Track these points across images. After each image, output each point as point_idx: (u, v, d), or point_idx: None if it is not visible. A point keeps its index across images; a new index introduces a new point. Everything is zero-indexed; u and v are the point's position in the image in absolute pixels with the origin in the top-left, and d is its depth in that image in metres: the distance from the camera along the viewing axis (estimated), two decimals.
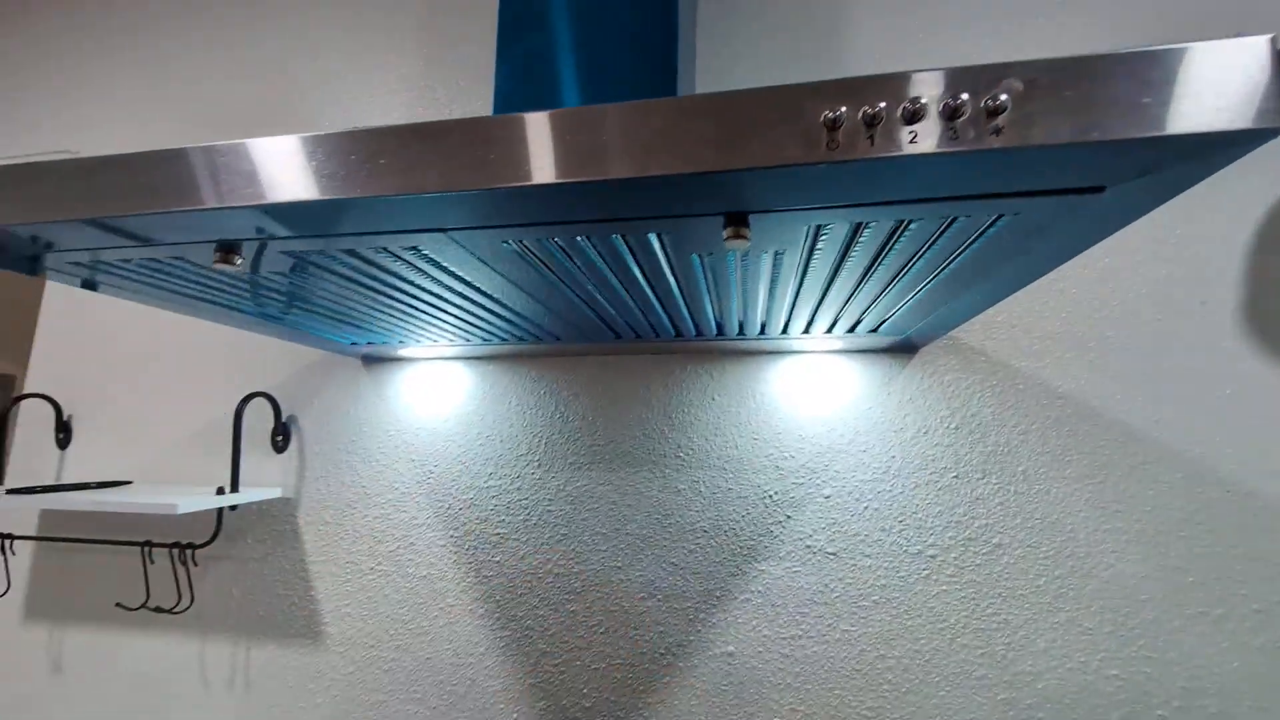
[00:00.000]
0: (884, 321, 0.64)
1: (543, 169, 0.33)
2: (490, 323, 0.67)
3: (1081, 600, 0.70)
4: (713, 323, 0.65)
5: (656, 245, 0.42)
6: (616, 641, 0.79)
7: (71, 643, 0.93)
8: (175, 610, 0.87)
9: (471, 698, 0.81)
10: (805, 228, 0.37)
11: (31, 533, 0.96)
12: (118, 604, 0.89)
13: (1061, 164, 0.29)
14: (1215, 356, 0.72)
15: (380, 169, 0.34)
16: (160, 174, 0.37)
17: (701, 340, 0.74)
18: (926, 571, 0.73)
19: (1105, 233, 0.37)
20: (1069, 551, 0.71)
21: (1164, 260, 0.75)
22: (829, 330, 0.68)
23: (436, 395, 0.89)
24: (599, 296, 0.55)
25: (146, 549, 0.87)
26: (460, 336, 0.74)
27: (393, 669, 0.84)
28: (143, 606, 0.88)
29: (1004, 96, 0.27)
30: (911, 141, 0.28)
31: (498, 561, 0.83)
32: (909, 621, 0.73)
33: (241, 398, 0.88)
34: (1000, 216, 0.35)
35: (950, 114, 0.28)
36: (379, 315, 0.64)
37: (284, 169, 0.35)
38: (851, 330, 0.68)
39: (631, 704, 0.77)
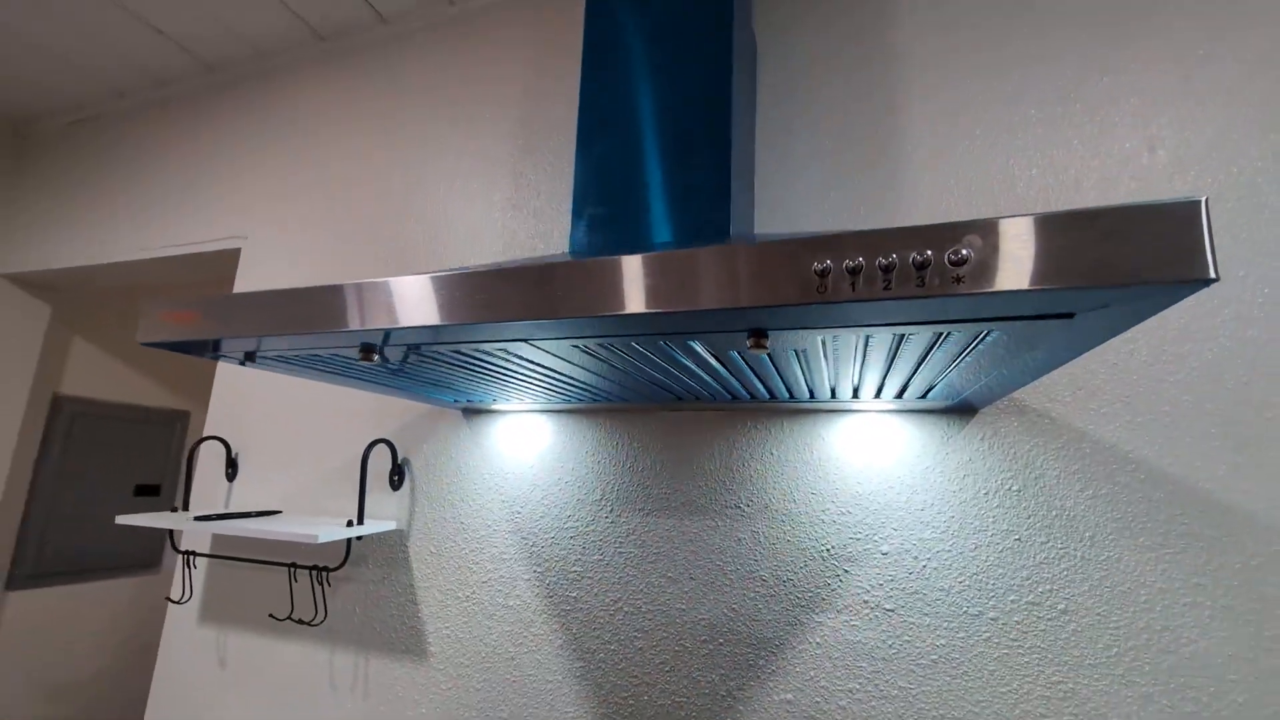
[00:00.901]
0: (930, 390, 0.67)
1: (614, 302, 0.42)
2: (566, 389, 0.77)
3: (1159, 676, 0.68)
4: (761, 390, 0.72)
5: (700, 348, 0.50)
6: (680, 680, 0.84)
7: (233, 643, 1.13)
8: (313, 622, 1.04)
9: (550, 718, 0.90)
10: (819, 339, 0.44)
11: (207, 550, 1.17)
12: (270, 615, 1.07)
13: (1024, 301, 0.34)
14: None
15: (476, 302, 0.45)
16: (326, 303, 0.50)
17: (756, 402, 0.81)
18: (988, 634, 0.74)
19: (1097, 342, 0.40)
20: (1144, 623, 0.69)
21: (1251, 321, 0.72)
22: (876, 395, 0.72)
23: (524, 443, 1.01)
24: (655, 374, 0.64)
25: (292, 569, 1.04)
26: (543, 397, 0.85)
27: (484, 688, 0.94)
28: (288, 618, 1.05)
29: (965, 251, 0.33)
30: (885, 288, 0.34)
31: (574, 597, 0.92)
32: (968, 683, 0.73)
33: (367, 444, 1.04)
34: (988, 332, 0.39)
35: (919, 266, 0.34)
36: (475, 384, 0.76)
37: (411, 302, 0.47)
38: (899, 395, 0.72)
39: None
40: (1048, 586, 0.73)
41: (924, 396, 0.71)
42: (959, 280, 0.33)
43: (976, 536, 0.77)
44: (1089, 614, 0.71)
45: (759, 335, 0.43)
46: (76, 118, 1.73)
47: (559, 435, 0.98)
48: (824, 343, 0.45)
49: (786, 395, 0.75)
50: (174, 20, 1.36)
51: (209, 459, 1.24)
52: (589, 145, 0.84)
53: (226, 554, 1.13)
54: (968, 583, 0.76)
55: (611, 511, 0.93)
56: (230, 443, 1.22)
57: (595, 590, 0.91)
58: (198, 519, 0.97)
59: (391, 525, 1.04)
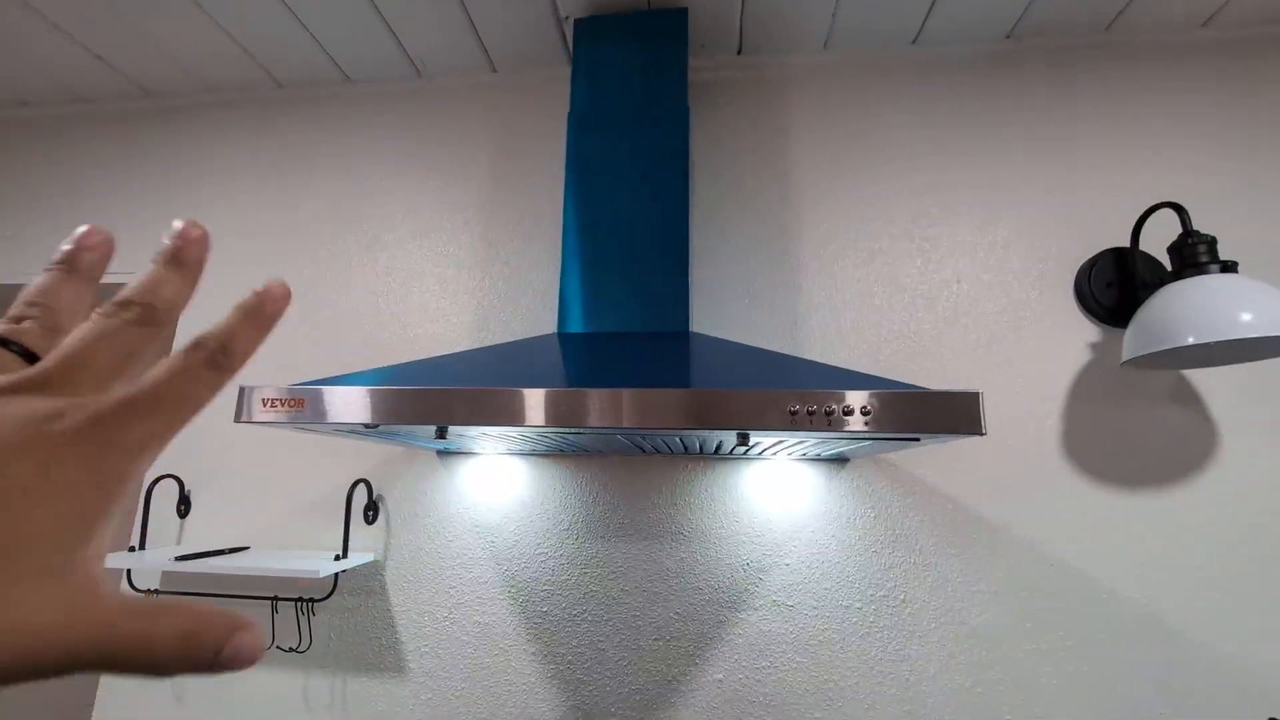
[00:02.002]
0: (819, 454, 0.97)
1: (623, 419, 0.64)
2: (547, 445, 0.97)
3: (958, 641, 1.03)
4: (697, 446, 0.97)
5: (697, 443, 0.74)
6: (636, 673, 1.07)
7: (191, 679, 1.16)
8: (300, 650, 1.12)
9: (523, 716, 1.08)
10: (779, 438, 0.70)
11: (165, 588, 1.19)
12: None
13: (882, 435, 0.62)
14: (1044, 470, 1.07)
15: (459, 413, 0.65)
16: (403, 402, 0.67)
17: (691, 455, 1.06)
18: (855, 620, 1.05)
19: (938, 442, 0.70)
20: (949, 605, 1.04)
21: (1013, 404, 1.11)
22: (783, 452, 1.01)
23: (497, 482, 1.18)
24: (633, 446, 0.87)
25: (274, 601, 1.12)
26: (518, 446, 1.04)
27: (462, 696, 1.10)
28: (274, 646, 1.12)
29: (865, 404, 0.60)
30: (822, 424, 0.61)
31: (545, 611, 1.11)
32: (842, 655, 1.04)
33: (345, 482, 1.15)
34: (868, 442, 0.68)
35: (844, 413, 0.60)
36: (463, 441, 0.94)
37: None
38: (801, 454, 1.01)
39: (647, 718, 1.05)
40: (893, 584, 1.06)
41: (814, 456, 1.01)
42: (868, 421, 0.60)
43: (847, 550, 1.08)
44: (918, 602, 1.05)
45: (745, 438, 0.68)
46: None
47: (531, 475, 1.17)
48: (778, 442, 0.72)
49: (714, 450, 1.01)
50: (116, 51, 1.33)
51: (158, 496, 1.25)
52: (573, 243, 1.05)
53: (195, 590, 1.17)
54: (841, 583, 1.07)
55: (577, 538, 1.13)
56: (183, 480, 1.25)
57: (563, 604, 1.11)
58: (179, 559, 1.02)
59: (369, 557, 1.16)
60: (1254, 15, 1.18)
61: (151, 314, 0.22)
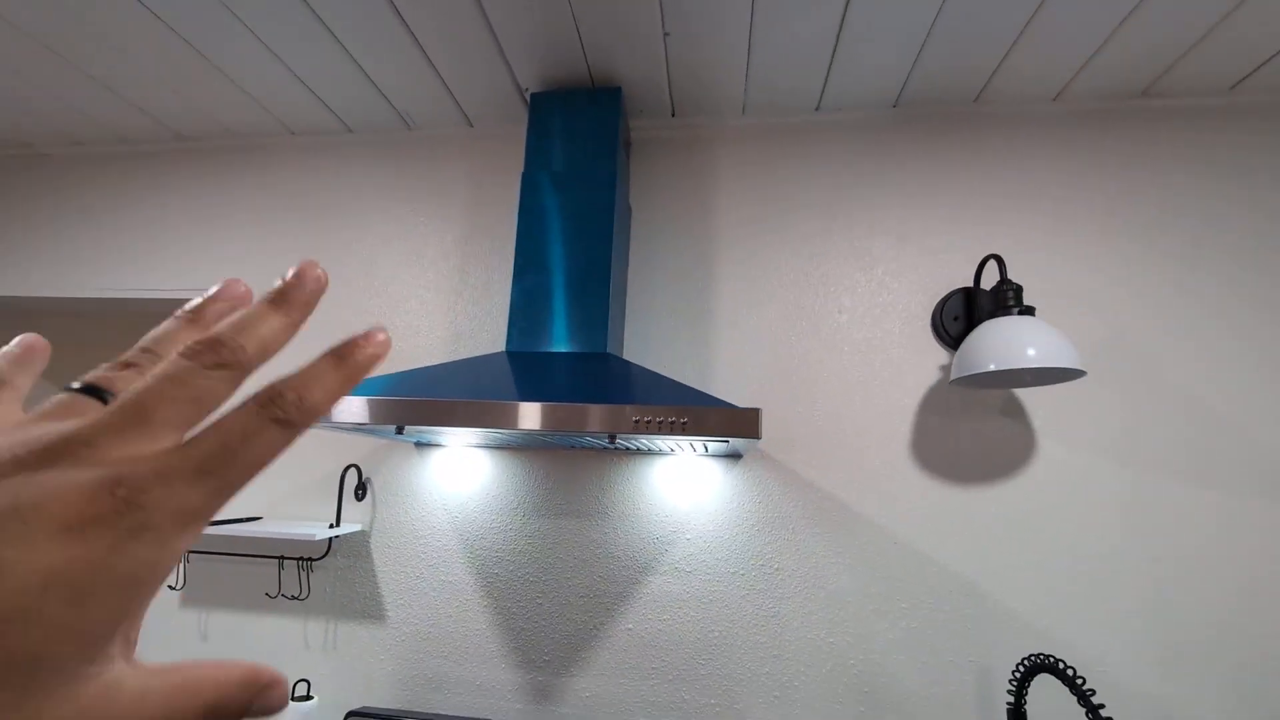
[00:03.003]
0: (708, 449, 1.23)
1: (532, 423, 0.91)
2: (497, 439, 1.25)
3: (819, 600, 1.29)
4: (620, 445, 1.25)
5: (594, 440, 1.01)
6: (565, 622, 1.35)
7: (215, 621, 1.45)
8: (301, 599, 1.41)
9: (478, 655, 1.36)
10: (642, 439, 0.97)
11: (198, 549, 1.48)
12: (266, 594, 1.42)
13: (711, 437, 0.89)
14: (894, 467, 1.33)
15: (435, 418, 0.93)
16: (431, 409, 0.95)
17: (618, 450, 1.34)
18: (739, 584, 1.32)
19: (743, 443, 0.97)
20: (812, 574, 1.30)
21: (865, 415, 1.37)
22: (686, 449, 1.28)
23: (462, 469, 1.45)
24: (564, 443, 1.14)
25: (281, 560, 1.41)
26: (478, 439, 1.31)
27: (428, 637, 1.38)
28: (280, 595, 1.41)
29: (685, 419, 0.87)
30: (659, 429, 0.87)
31: (497, 574, 1.39)
32: (725, 612, 1.31)
33: (340, 466, 1.43)
34: (702, 439, 0.94)
35: (670, 423, 0.87)
36: (426, 435, 1.21)
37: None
38: (700, 450, 1.28)
39: (574, 658, 1.33)
40: (770, 554, 1.32)
41: (710, 453, 1.28)
42: (683, 430, 0.87)
43: (736, 527, 1.35)
44: (787, 570, 1.31)
45: (612, 438, 0.95)
46: (19, 152, 1.88)
47: (490, 463, 1.45)
48: (645, 441, 0.98)
49: (632, 448, 1.28)
50: (147, 97, 1.60)
51: None
52: (520, 278, 1.32)
53: (217, 550, 1.46)
54: (730, 554, 1.34)
55: (525, 516, 1.41)
56: None
57: (511, 567, 1.39)
58: (213, 523, 1.31)
59: (358, 527, 1.44)
60: (1098, 91, 1.42)
61: (239, 357, 0.20)
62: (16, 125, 1.75)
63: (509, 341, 1.29)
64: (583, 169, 1.36)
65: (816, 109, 1.54)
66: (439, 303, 1.57)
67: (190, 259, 1.70)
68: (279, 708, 0.19)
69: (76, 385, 0.20)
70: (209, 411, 0.19)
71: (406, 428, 1.00)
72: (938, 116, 1.50)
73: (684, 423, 0.86)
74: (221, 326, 0.20)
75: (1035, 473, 1.29)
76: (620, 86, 1.43)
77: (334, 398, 0.21)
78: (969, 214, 1.43)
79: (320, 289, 0.24)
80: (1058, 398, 1.31)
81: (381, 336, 0.23)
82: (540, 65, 1.41)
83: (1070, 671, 0.96)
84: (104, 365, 0.21)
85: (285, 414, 0.19)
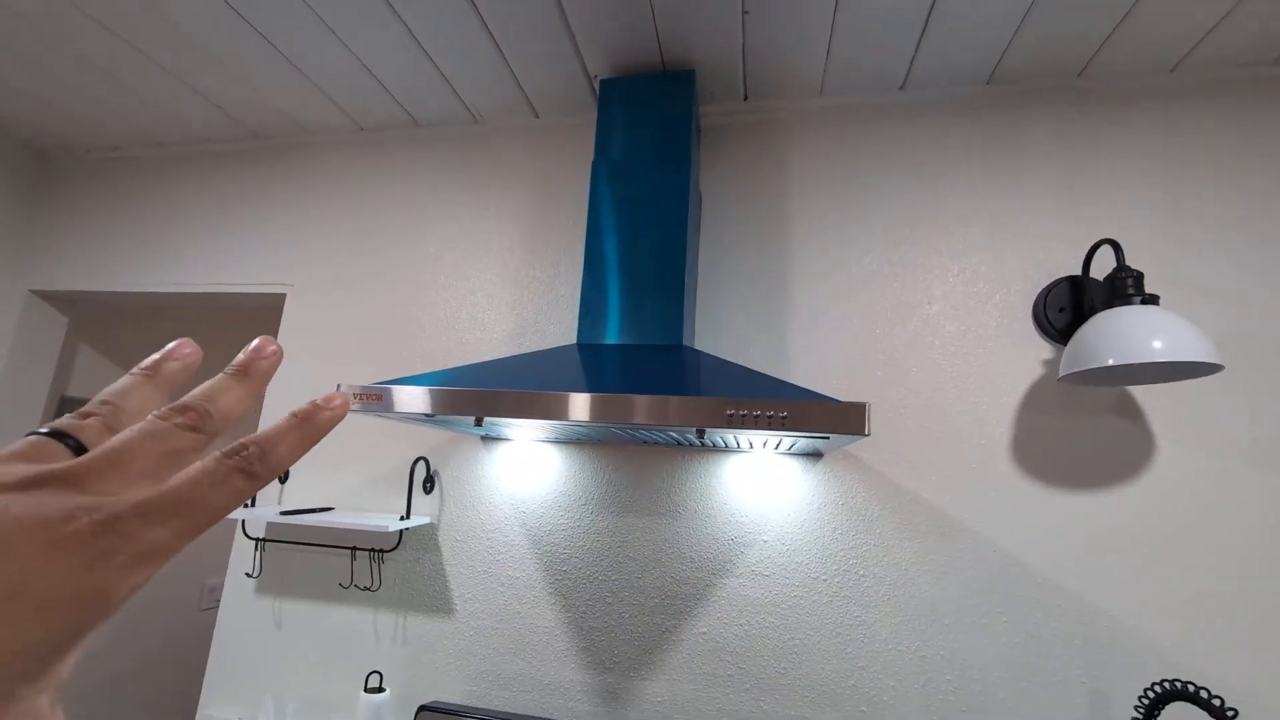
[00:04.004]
0: (793, 446, 1.17)
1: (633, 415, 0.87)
2: (567, 434, 1.21)
3: (909, 610, 1.21)
4: (692, 440, 1.19)
5: (677, 436, 0.96)
6: (636, 623, 1.30)
7: (288, 609, 1.47)
8: (372, 589, 1.41)
9: (546, 654, 1.33)
10: (731, 435, 0.91)
11: (262, 535, 1.50)
12: (339, 584, 1.43)
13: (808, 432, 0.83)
14: (994, 470, 1.23)
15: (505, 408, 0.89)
16: (459, 398, 0.92)
17: (690, 447, 1.28)
18: (821, 589, 1.25)
19: (843, 440, 0.90)
20: (902, 581, 1.22)
21: (960, 413, 1.27)
22: (764, 446, 1.21)
23: (529, 464, 1.43)
24: (635, 438, 1.09)
25: (353, 551, 1.41)
26: (546, 434, 1.28)
27: (496, 633, 1.36)
28: (352, 586, 1.42)
29: (782, 410, 0.81)
30: (756, 425, 0.82)
31: (565, 570, 1.36)
32: (809, 618, 1.24)
33: (409, 459, 1.43)
34: (796, 438, 0.88)
35: (766, 417, 0.81)
36: (499, 429, 1.19)
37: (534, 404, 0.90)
38: (778, 448, 1.21)
39: (645, 660, 1.28)
40: (855, 560, 1.25)
41: (791, 450, 1.21)
42: (783, 424, 0.81)
43: (817, 530, 1.27)
44: (874, 577, 1.23)
45: (701, 433, 0.89)
46: (111, 156, 1.96)
47: (558, 458, 1.42)
48: (732, 436, 0.93)
49: (709, 444, 1.23)
50: (222, 93, 1.64)
51: None
52: (592, 269, 1.28)
53: (291, 539, 1.48)
54: (811, 558, 1.26)
55: (593, 512, 1.37)
56: None
57: (580, 565, 1.36)
58: (285, 513, 1.32)
59: (427, 520, 1.43)
60: (1222, 60, 1.29)
61: (205, 420, 0.22)
62: (101, 126, 1.83)
63: (580, 334, 1.25)
64: (656, 155, 1.32)
65: (901, 87, 1.45)
66: (504, 296, 1.55)
67: (260, 255, 1.74)
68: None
69: (44, 430, 0.21)
70: (180, 467, 0.21)
71: (485, 421, 0.97)
72: (1036, 93, 1.39)
73: (784, 417, 0.80)
74: (193, 394, 0.23)
75: (1157, 479, 1.17)
76: (694, 69, 1.38)
77: (295, 454, 0.23)
78: (1072, 197, 1.32)
79: (276, 363, 0.26)
80: (1179, 396, 1.19)
81: (339, 401, 0.25)
82: (611, 51, 1.37)
83: (1218, 701, 0.85)
84: (68, 415, 0.23)
85: (249, 466, 0.21)
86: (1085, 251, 1.25)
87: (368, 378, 1.57)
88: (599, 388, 0.93)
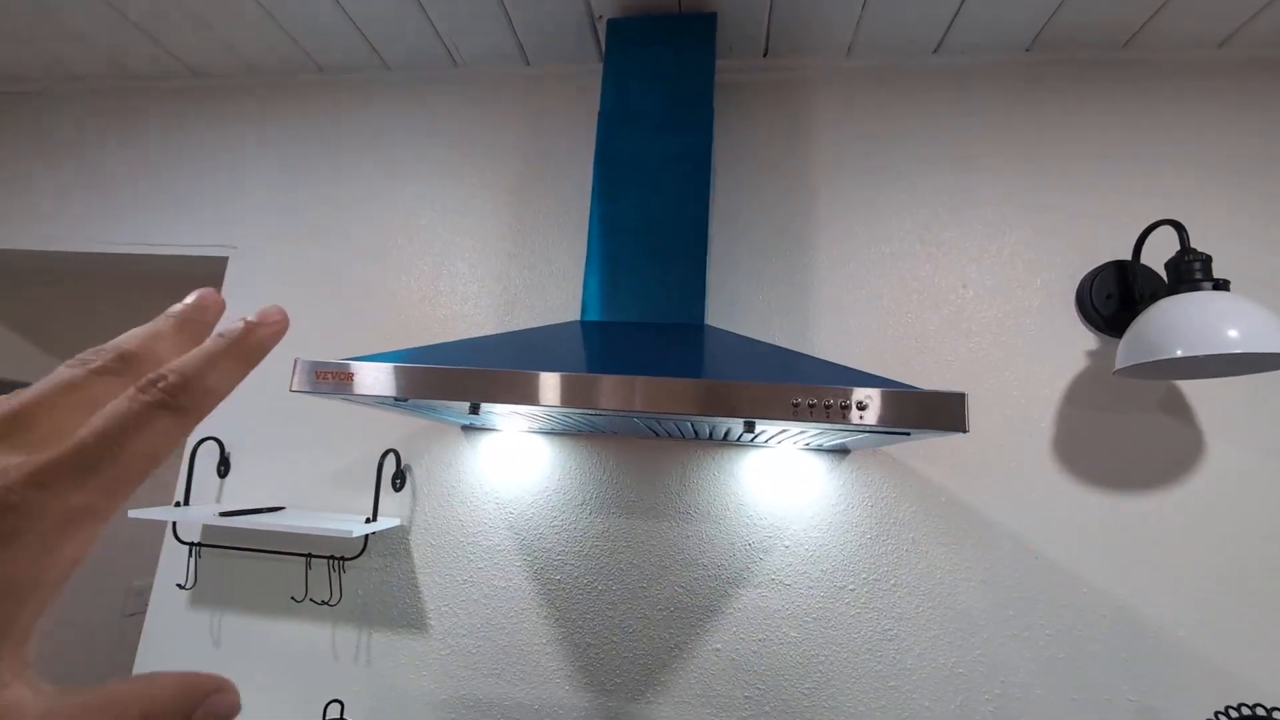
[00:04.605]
0: (821, 444, 1.03)
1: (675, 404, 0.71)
2: (568, 424, 1.04)
3: (944, 623, 1.10)
4: (707, 432, 1.04)
5: (706, 428, 0.80)
6: (641, 639, 1.15)
7: (229, 624, 1.26)
8: (330, 604, 1.21)
9: (534, 675, 1.16)
10: (782, 427, 0.76)
11: (197, 539, 1.28)
12: (292, 597, 1.22)
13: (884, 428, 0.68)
14: (1035, 469, 1.13)
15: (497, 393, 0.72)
16: (440, 380, 0.74)
17: (701, 440, 1.13)
18: (849, 600, 1.12)
19: (926, 437, 0.76)
20: (936, 591, 1.11)
21: (999, 406, 1.16)
22: (786, 440, 1.07)
23: (517, 458, 1.25)
24: (648, 430, 0.94)
25: (309, 558, 1.21)
26: (539, 424, 1.11)
27: (477, 653, 1.19)
28: (306, 599, 1.21)
29: (862, 399, 0.67)
30: (827, 418, 0.67)
31: (558, 580, 1.19)
32: (835, 632, 1.11)
33: (380, 451, 1.23)
34: (866, 434, 0.74)
35: (841, 408, 0.67)
36: (490, 418, 1.01)
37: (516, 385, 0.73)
38: (806, 443, 1.07)
39: (649, 681, 1.13)
40: (885, 568, 1.13)
41: (817, 446, 1.07)
42: (863, 413, 0.67)
43: (844, 535, 1.15)
44: (907, 586, 1.12)
45: (750, 426, 0.74)
46: (16, 90, 1.66)
47: (551, 452, 1.25)
48: (786, 429, 0.78)
49: (722, 436, 1.08)
50: (157, 22, 1.38)
51: (200, 456, 1.33)
52: (599, 238, 1.11)
53: (233, 544, 1.26)
54: (837, 566, 1.14)
55: (591, 514, 1.21)
56: (224, 442, 1.33)
57: (576, 574, 1.19)
58: (225, 514, 1.11)
59: (396, 521, 1.24)
60: (1270, 37, 1.21)
61: (179, 396, 0.18)
62: (14, 56, 1.53)
63: (586, 310, 1.08)
64: (675, 107, 1.15)
65: (935, 51, 1.32)
66: (490, 266, 1.36)
67: (201, 212, 1.49)
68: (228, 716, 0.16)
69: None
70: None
71: (482, 408, 0.79)
72: (1078, 63, 1.28)
73: (861, 408, 0.66)
74: (174, 364, 0.18)
75: (1208, 482, 1.09)
76: (715, 12, 1.21)
77: (228, 381, 0.19)
78: (1118, 176, 1.22)
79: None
80: (1230, 392, 1.11)
81: (277, 315, 0.22)
82: None
83: None
84: (67, 366, 0.18)
85: (172, 399, 0.17)
86: (1132, 234, 1.15)
87: (326, 356, 1.36)
88: (620, 370, 0.77)
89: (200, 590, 1.28)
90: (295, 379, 0.78)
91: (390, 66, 1.49)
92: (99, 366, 0.18)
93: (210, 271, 1.52)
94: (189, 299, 0.21)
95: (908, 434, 0.70)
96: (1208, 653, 1.03)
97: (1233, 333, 0.93)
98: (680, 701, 1.12)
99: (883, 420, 0.66)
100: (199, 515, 1.13)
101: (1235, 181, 1.18)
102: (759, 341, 0.94)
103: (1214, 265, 1.07)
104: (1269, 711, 0.81)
